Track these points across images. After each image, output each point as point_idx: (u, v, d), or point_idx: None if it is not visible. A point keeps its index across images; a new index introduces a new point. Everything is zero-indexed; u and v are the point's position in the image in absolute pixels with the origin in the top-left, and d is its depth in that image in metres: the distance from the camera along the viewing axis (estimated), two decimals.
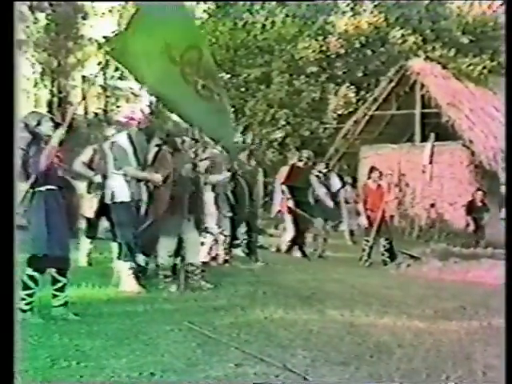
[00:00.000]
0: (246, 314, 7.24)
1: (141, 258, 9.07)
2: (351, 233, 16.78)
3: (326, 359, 5.55)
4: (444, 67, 22.30)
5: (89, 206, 9.78)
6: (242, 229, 11.66)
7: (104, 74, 30.51)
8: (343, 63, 26.78)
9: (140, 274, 9.01)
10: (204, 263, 9.12)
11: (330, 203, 13.41)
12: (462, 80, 21.97)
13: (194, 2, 29.20)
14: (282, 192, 12.98)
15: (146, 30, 7.17)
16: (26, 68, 29.79)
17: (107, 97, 31.51)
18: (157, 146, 8.69)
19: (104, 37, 29.13)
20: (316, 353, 5.73)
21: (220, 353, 5.64)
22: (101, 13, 31.33)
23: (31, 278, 6.54)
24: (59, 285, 6.75)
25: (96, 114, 29.82)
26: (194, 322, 6.64)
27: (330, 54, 26.41)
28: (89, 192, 9.85)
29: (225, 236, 10.68)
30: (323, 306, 7.76)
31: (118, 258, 8.50)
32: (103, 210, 9.42)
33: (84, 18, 30.59)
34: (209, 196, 9.68)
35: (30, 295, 6.54)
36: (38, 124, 6.65)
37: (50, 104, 30.24)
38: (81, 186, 9.69)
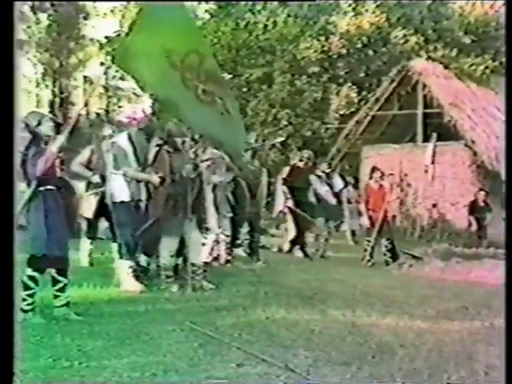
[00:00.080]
0: (247, 314, 7.24)
1: (142, 259, 9.09)
2: (353, 233, 16.77)
3: (328, 359, 5.55)
4: (446, 67, 22.28)
5: (87, 206, 9.79)
6: (245, 229, 11.66)
7: (106, 75, 30.56)
8: (345, 63, 26.76)
9: (142, 274, 9.03)
10: (206, 263, 9.11)
11: (333, 200, 13.39)
12: (464, 80, 21.95)
13: (196, 2, 29.24)
14: (283, 192, 12.99)
15: (147, 35, 7.16)
16: (28, 68, 29.84)
17: (109, 97, 31.55)
18: (157, 145, 8.70)
19: (106, 37, 29.16)
20: (318, 353, 5.72)
21: (222, 353, 5.63)
22: (102, 13, 31.37)
23: (31, 278, 6.54)
24: (60, 285, 6.74)
25: (98, 115, 29.85)
26: (195, 322, 6.64)
27: (332, 54, 26.39)
28: (87, 192, 9.86)
29: (226, 236, 10.67)
30: (325, 306, 7.76)
31: (120, 257, 8.50)
32: (102, 210, 9.43)
33: (86, 19, 30.64)
34: (209, 196, 9.67)
35: (30, 295, 6.55)
36: (39, 124, 6.65)
37: (51, 104, 30.28)
38: (79, 187, 9.70)
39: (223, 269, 10.44)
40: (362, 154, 21.71)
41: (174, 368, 5.15)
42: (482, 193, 17.28)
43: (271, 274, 10.48)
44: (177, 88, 7.34)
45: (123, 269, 8.38)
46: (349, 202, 15.89)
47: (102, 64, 29.98)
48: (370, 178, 13.04)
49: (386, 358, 5.64)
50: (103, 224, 10.07)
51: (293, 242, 13.24)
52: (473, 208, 17.19)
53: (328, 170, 13.86)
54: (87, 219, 10.10)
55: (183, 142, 8.56)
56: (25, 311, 6.51)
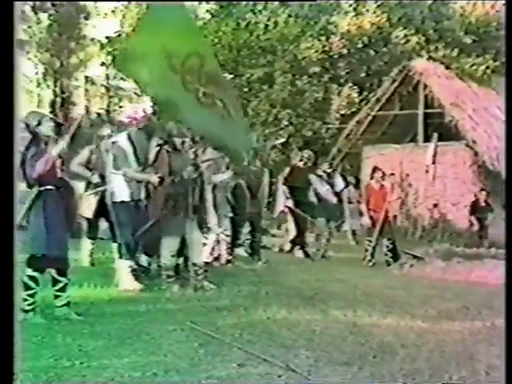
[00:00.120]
0: (248, 314, 7.24)
1: (143, 259, 9.09)
2: (354, 233, 16.76)
3: (329, 359, 5.54)
4: (447, 67, 22.27)
5: (87, 206, 9.79)
6: (246, 229, 11.66)
7: (107, 74, 30.58)
8: (346, 63, 26.74)
9: (143, 274, 9.03)
10: (206, 263, 9.11)
11: (333, 199, 13.38)
12: (465, 80, 21.94)
13: (196, 2, 29.24)
14: (283, 192, 12.99)
15: (148, 37, 7.16)
16: (29, 68, 29.87)
17: (110, 97, 31.56)
18: (158, 145, 8.70)
19: (106, 37, 29.16)
20: (319, 353, 5.72)
21: (223, 353, 5.63)
22: (103, 13, 31.39)
23: (31, 278, 6.54)
24: (60, 285, 6.74)
25: (99, 115, 29.86)
26: (196, 321, 6.64)
27: (333, 54, 26.37)
28: (86, 192, 9.86)
29: (226, 236, 10.67)
30: (326, 306, 7.76)
31: (119, 257, 8.51)
32: (102, 210, 9.43)
33: (86, 19, 30.65)
34: (210, 196, 9.67)
35: (31, 295, 6.55)
36: (39, 124, 6.64)
37: (52, 104, 30.29)
38: (79, 187, 9.70)
39: (224, 269, 10.43)
40: (363, 154, 21.69)
41: (175, 368, 5.15)
42: (484, 193, 17.29)
43: (272, 274, 10.48)
44: (177, 91, 7.33)
45: (122, 268, 8.39)
46: (350, 201, 15.88)
47: (102, 64, 30.01)
48: (371, 178, 13.04)
49: (387, 358, 5.64)
50: (103, 224, 10.07)
51: (293, 242, 13.24)
52: (474, 208, 17.19)
53: (329, 170, 13.86)
54: (87, 219, 10.10)
55: (183, 143, 8.55)
56: (26, 311, 6.51)
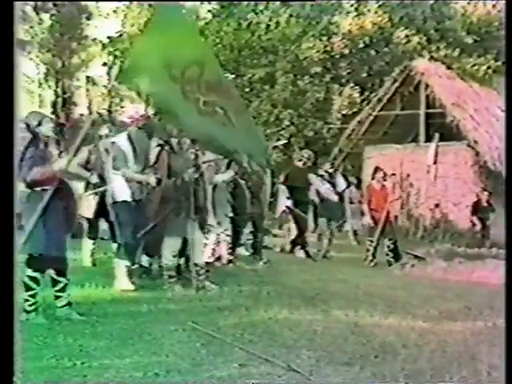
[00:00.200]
0: (250, 314, 7.23)
1: (144, 259, 9.10)
2: (355, 233, 16.76)
3: (331, 359, 5.54)
4: (448, 67, 22.26)
5: (87, 206, 9.80)
6: (248, 229, 11.66)
7: (108, 75, 30.56)
8: (347, 63, 26.76)
9: (144, 274, 9.04)
10: (208, 263, 9.11)
11: (334, 197, 13.35)
12: (467, 80, 21.93)
13: (198, 2, 29.25)
14: (283, 192, 12.98)
15: (148, 48, 7.17)
16: (31, 68, 29.86)
17: (111, 97, 31.56)
18: (158, 145, 8.71)
19: (108, 37, 29.17)
20: (320, 353, 5.72)
21: (224, 353, 5.63)
22: (105, 13, 31.38)
23: (32, 278, 6.54)
24: (60, 285, 6.74)
25: (100, 115, 29.84)
26: (198, 322, 6.64)
27: (334, 55, 26.40)
28: (86, 192, 9.86)
29: (227, 236, 10.66)
30: (327, 306, 7.75)
31: (117, 256, 8.52)
32: (102, 210, 9.43)
33: (88, 19, 30.65)
34: (211, 197, 9.67)
35: (32, 296, 6.55)
36: (39, 124, 6.64)
37: (54, 104, 30.30)
38: (78, 187, 9.70)
39: (226, 269, 10.43)
40: (365, 154, 21.70)
41: (177, 368, 5.15)
42: (486, 193, 17.30)
43: (274, 274, 10.47)
44: (179, 101, 7.33)
45: (119, 268, 8.40)
46: (351, 202, 15.89)
47: (104, 64, 30.02)
48: (373, 178, 13.04)
49: (388, 358, 5.63)
50: (104, 224, 10.07)
51: (293, 242, 13.24)
52: (476, 208, 17.19)
53: (331, 170, 13.86)
54: (88, 219, 10.11)
55: (183, 143, 8.55)
56: (27, 312, 6.51)
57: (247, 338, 6.22)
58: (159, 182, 8.37)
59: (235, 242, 11.12)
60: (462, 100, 20.23)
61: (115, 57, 28.85)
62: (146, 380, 4.90)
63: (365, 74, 26.91)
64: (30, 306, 6.54)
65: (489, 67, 25.35)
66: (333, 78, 26.57)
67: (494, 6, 27.55)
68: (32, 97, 30.40)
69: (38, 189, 6.52)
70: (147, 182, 8.38)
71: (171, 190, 8.49)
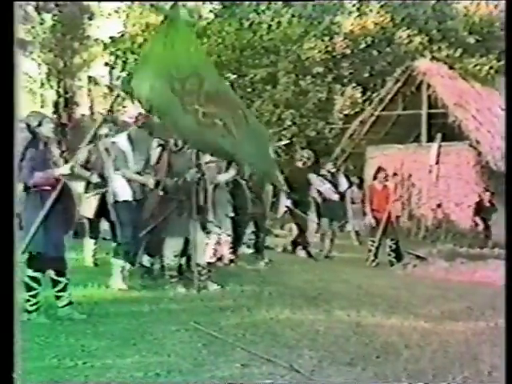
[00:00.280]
0: (252, 314, 7.23)
1: (146, 259, 9.10)
2: (357, 233, 16.76)
3: (333, 359, 5.54)
4: (450, 67, 22.23)
5: (88, 206, 9.80)
6: (249, 229, 11.65)
7: (110, 75, 30.57)
8: (349, 63, 26.73)
9: (145, 274, 9.04)
10: (209, 263, 9.12)
11: (334, 196, 13.33)
12: (469, 80, 21.90)
13: (200, 2, 29.24)
14: (283, 192, 12.96)
15: (152, 60, 7.18)
16: (33, 68, 29.90)
17: (114, 97, 31.54)
18: (159, 145, 8.71)
19: (110, 37, 29.16)
20: (322, 353, 5.72)
21: (226, 353, 5.63)
22: (107, 13, 31.39)
23: (33, 278, 6.55)
24: (60, 286, 6.74)
25: (102, 115, 29.86)
26: (199, 322, 6.64)
27: (336, 55, 26.37)
28: (87, 192, 9.86)
29: (228, 236, 10.65)
30: (330, 306, 7.75)
31: (114, 256, 8.53)
32: (103, 210, 9.43)
33: (90, 19, 30.67)
34: (212, 197, 9.67)
35: (33, 296, 6.55)
36: (39, 125, 6.64)
37: (56, 104, 30.32)
38: (78, 187, 9.70)
39: (227, 269, 10.43)
40: (367, 155, 21.67)
41: (178, 368, 5.15)
42: (488, 193, 17.28)
43: (275, 274, 10.47)
44: (179, 112, 7.34)
45: (115, 268, 8.41)
46: (353, 202, 15.88)
47: (106, 64, 30.02)
48: (375, 178, 13.03)
49: (390, 359, 5.63)
50: (105, 224, 10.07)
51: (294, 242, 13.24)
52: (479, 208, 17.18)
53: (333, 170, 13.85)
54: (89, 219, 10.11)
55: (184, 143, 8.55)
56: (29, 312, 6.51)
57: (249, 338, 6.22)
58: (158, 183, 8.38)
59: (237, 242, 11.11)
60: (463, 100, 20.20)
61: (117, 57, 28.83)
62: (147, 380, 4.90)
63: (367, 74, 26.88)
64: (32, 306, 6.54)
65: (491, 67, 25.32)
66: (335, 78, 26.55)
67: (495, 6, 27.52)
68: (34, 97, 30.43)
69: (37, 188, 6.52)
70: (145, 183, 8.38)
71: (173, 189, 8.49)
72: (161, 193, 8.52)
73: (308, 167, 13.22)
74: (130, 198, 8.36)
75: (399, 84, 21.40)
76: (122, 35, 29.25)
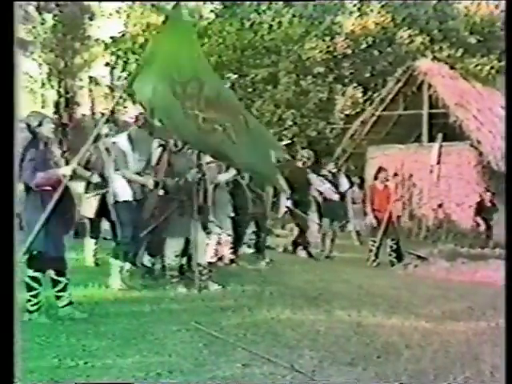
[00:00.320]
0: (252, 314, 7.23)
1: (147, 259, 9.10)
2: (358, 233, 16.76)
3: (334, 360, 5.54)
4: (451, 67, 22.23)
5: (89, 206, 9.80)
6: (250, 229, 11.65)
7: (111, 75, 30.58)
8: (350, 63, 26.74)
9: (146, 274, 9.04)
10: (210, 263, 9.12)
11: (334, 196, 13.33)
12: (470, 80, 21.90)
13: (201, 2, 29.25)
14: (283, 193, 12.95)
15: (155, 63, 7.18)
16: (33, 69, 29.91)
17: (114, 97, 31.58)
18: (160, 146, 8.71)
19: (111, 37, 29.18)
20: (323, 353, 5.72)
21: (227, 353, 5.63)
22: (108, 13, 31.40)
23: (33, 278, 6.55)
24: (60, 286, 6.74)
25: (103, 115, 29.87)
26: (200, 322, 6.64)
27: (337, 55, 26.38)
28: (87, 192, 9.86)
29: (229, 236, 10.66)
30: (330, 306, 7.75)
31: (112, 256, 8.53)
32: (104, 209, 9.43)
33: (91, 19, 30.68)
34: (212, 197, 9.68)
35: (34, 296, 6.55)
36: (40, 125, 6.64)
37: (57, 104, 30.33)
38: (79, 187, 9.71)
39: (228, 269, 10.43)
40: (368, 155, 21.66)
41: (179, 368, 5.15)
42: (489, 193, 17.28)
43: (276, 274, 10.47)
44: (181, 117, 7.33)
45: (114, 267, 8.43)
46: (354, 202, 15.87)
47: (107, 64, 30.04)
48: (376, 178, 13.02)
49: (391, 359, 5.63)
50: (105, 224, 10.08)
51: (295, 242, 13.24)
52: (480, 209, 17.17)
53: (334, 170, 13.85)
54: (90, 219, 10.12)
55: (184, 143, 8.56)
56: (30, 312, 6.51)
57: (250, 338, 6.22)
58: (157, 184, 8.39)
59: (237, 242, 11.11)
60: (465, 100, 20.19)
61: (118, 57, 28.86)
62: (148, 380, 4.90)
63: (368, 74, 26.89)
64: (33, 306, 6.55)
65: (492, 67, 25.33)
66: (336, 78, 26.56)
67: (496, 6, 27.52)
68: (35, 97, 30.45)
69: (37, 188, 6.52)
70: (145, 184, 8.38)
71: (174, 190, 8.49)
72: (162, 193, 8.53)
73: (308, 167, 13.21)
74: (130, 198, 8.36)
75: (400, 84, 21.39)
76: (123, 35, 29.28)
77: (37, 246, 6.46)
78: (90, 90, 32.23)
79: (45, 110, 25.83)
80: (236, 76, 26.34)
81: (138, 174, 8.40)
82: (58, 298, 6.77)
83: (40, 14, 29.51)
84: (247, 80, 26.39)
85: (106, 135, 9.68)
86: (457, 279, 10.76)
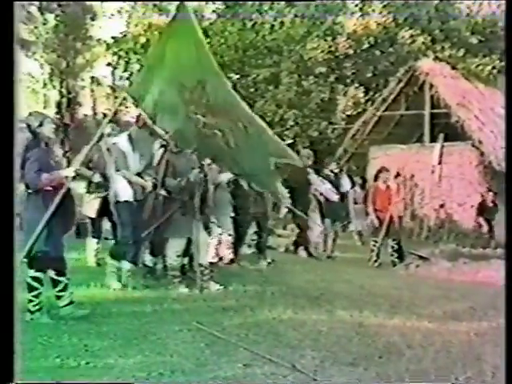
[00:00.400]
0: (254, 314, 7.23)
1: (149, 259, 9.10)
2: (360, 233, 16.75)
3: (335, 360, 5.54)
4: (453, 67, 22.21)
5: (90, 206, 9.80)
6: (252, 229, 11.65)
7: (113, 75, 30.60)
8: (352, 64, 26.73)
9: (148, 274, 9.04)
10: (212, 263, 9.12)
11: (334, 197, 13.32)
12: (472, 80, 21.88)
13: (203, 2, 29.24)
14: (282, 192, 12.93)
15: (160, 68, 7.18)
16: (35, 69, 29.95)
17: (116, 97, 31.61)
18: (162, 146, 8.71)
19: (112, 37, 29.19)
20: (325, 353, 5.72)
21: (229, 353, 5.63)
22: (109, 13, 31.42)
23: (35, 278, 6.55)
24: (61, 286, 6.74)
25: (105, 115, 29.90)
26: (202, 322, 6.64)
27: (339, 55, 26.36)
28: (89, 192, 9.86)
29: (229, 235, 10.65)
30: (332, 306, 7.75)
31: (110, 255, 8.54)
32: (105, 209, 9.43)
33: (93, 19, 30.72)
34: (213, 197, 9.68)
35: (36, 296, 6.55)
36: (40, 125, 6.63)
37: (58, 105, 30.36)
38: (80, 186, 9.71)
39: (230, 269, 10.43)
40: (369, 155, 21.64)
41: (181, 368, 5.16)
42: (491, 193, 17.26)
43: (278, 274, 10.47)
44: (184, 121, 7.33)
45: (110, 267, 8.44)
46: (355, 202, 15.87)
47: (108, 64, 30.06)
48: (378, 178, 13.02)
49: (393, 359, 5.63)
50: (107, 224, 10.08)
51: (295, 243, 13.24)
52: (481, 209, 17.16)
53: (336, 170, 13.85)
54: (91, 219, 10.12)
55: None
56: (32, 312, 6.52)
57: (252, 338, 6.22)
58: (155, 186, 8.40)
59: (238, 242, 11.11)
60: (466, 100, 20.18)
61: (119, 57, 28.86)
62: (150, 380, 4.90)
63: (369, 74, 26.87)
64: (34, 306, 6.55)
65: (494, 67, 25.30)
66: (337, 78, 26.55)
67: (498, 6, 27.50)
68: (37, 97, 30.50)
69: (38, 188, 6.53)
70: (144, 186, 8.38)
71: (176, 190, 8.50)
72: (164, 193, 8.54)
73: (308, 166, 13.20)
74: (130, 199, 8.36)
75: (402, 84, 21.38)
76: (125, 35, 29.27)
77: (39, 246, 6.47)
78: (92, 90, 32.28)
79: (47, 110, 25.91)
80: (238, 76, 26.33)
81: (139, 174, 8.40)
82: (59, 297, 6.77)
83: (42, 14, 29.56)
84: (249, 80, 26.38)
85: (109, 135, 9.68)
86: (458, 279, 10.76)
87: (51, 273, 6.69)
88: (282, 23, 27.02)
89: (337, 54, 26.26)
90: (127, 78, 29.00)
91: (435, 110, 20.57)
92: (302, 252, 13.10)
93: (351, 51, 26.36)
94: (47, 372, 4.93)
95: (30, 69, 29.72)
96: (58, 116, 28.40)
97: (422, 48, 26.16)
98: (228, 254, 10.75)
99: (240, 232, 11.05)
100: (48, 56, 29.95)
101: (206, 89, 7.15)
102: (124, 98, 8.01)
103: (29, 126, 6.62)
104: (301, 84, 25.78)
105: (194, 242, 8.53)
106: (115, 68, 30.02)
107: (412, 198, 20.27)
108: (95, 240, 10.28)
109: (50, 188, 6.53)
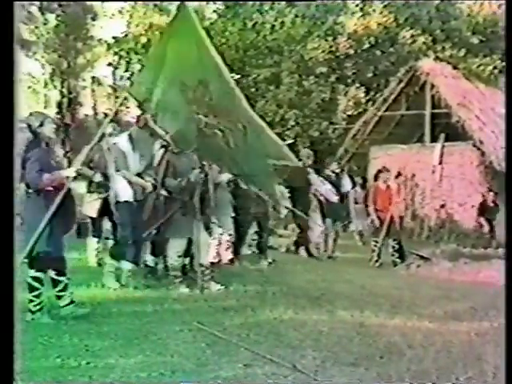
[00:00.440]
0: (255, 314, 7.23)
1: (150, 259, 9.10)
2: (361, 233, 16.75)
3: (336, 360, 5.54)
4: (454, 67, 22.22)
5: (91, 205, 9.80)
6: (253, 229, 11.64)
7: (114, 75, 30.61)
8: (353, 64, 26.75)
9: (149, 274, 9.04)
10: (213, 264, 9.12)
11: (334, 198, 13.32)
12: (472, 80, 21.88)
13: (204, 3, 29.25)
14: (281, 192, 12.92)
15: (163, 69, 7.17)
16: (36, 69, 29.95)
17: (117, 97, 31.62)
18: (162, 146, 8.71)
19: (113, 37, 29.21)
20: (326, 353, 5.72)
21: (229, 353, 5.63)
22: (110, 13, 31.42)
23: (35, 279, 6.55)
24: (61, 285, 6.74)
25: (105, 115, 29.91)
26: (203, 322, 6.64)
27: (340, 55, 26.38)
28: (89, 191, 9.86)
29: (229, 235, 10.64)
30: (333, 306, 7.75)
31: (109, 255, 8.54)
32: (106, 209, 9.43)
33: (93, 19, 30.71)
34: (214, 197, 9.67)
35: (36, 296, 6.55)
36: (41, 125, 6.63)
37: (59, 105, 30.36)
38: (81, 186, 9.71)
39: (231, 269, 10.42)
40: (370, 155, 21.64)
41: (182, 368, 5.15)
42: (491, 193, 17.26)
43: (279, 274, 10.46)
44: (185, 121, 7.33)
45: (108, 267, 8.45)
46: (356, 202, 15.87)
47: (109, 64, 30.07)
48: (378, 178, 13.02)
49: (394, 359, 5.63)
50: (107, 224, 10.07)
51: (296, 243, 13.23)
52: (483, 209, 17.15)
53: (337, 171, 13.85)
54: (92, 219, 10.12)
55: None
56: (32, 312, 6.52)
57: (252, 338, 6.22)
58: (155, 187, 8.40)
59: (239, 242, 11.10)
60: (467, 100, 20.18)
61: (120, 57, 28.88)
62: (151, 380, 4.90)
63: (370, 75, 26.89)
64: (35, 306, 6.55)
65: (494, 67, 25.31)
66: (338, 78, 26.56)
67: (499, 6, 27.50)
68: (37, 97, 30.50)
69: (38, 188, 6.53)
70: (144, 186, 8.37)
71: (176, 190, 8.50)
72: (164, 193, 8.53)
73: (308, 166, 13.20)
74: (130, 199, 8.36)
75: (403, 84, 21.38)
76: (126, 35, 29.30)
77: (39, 246, 6.47)
78: (93, 90, 32.28)
79: (47, 111, 25.90)
80: (238, 76, 26.30)
81: (139, 174, 8.40)
82: (59, 297, 6.77)
83: (43, 14, 29.56)
84: (249, 80, 26.39)
85: (110, 135, 9.67)
86: (459, 279, 10.76)
87: (51, 273, 6.69)
88: (282, 23, 27.04)
89: (337, 54, 26.29)
90: (128, 78, 29.03)
91: (436, 110, 20.57)
92: (302, 252, 13.11)
93: (352, 51, 26.39)
94: (48, 372, 4.93)
95: (31, 69, 29.74)
96: (58, 116, 28.39)
97: (422, 48, 26.18)
98: (229, 254, 10.74)
99: (241, 232, 11.04)
100: (49, 56, 29.95)
101: (209, 87, 7.15)
102: (125, 98, 8.01)
103: (29, 126, 6.62)
104: (301, 84, 25.79)
105: (195, 242, 8.53)
106: (116, 68, 30.05)
107: (413, 198, 20.28)
108: (96, 240, 10.28)
109: (51, 188, 6.53)
